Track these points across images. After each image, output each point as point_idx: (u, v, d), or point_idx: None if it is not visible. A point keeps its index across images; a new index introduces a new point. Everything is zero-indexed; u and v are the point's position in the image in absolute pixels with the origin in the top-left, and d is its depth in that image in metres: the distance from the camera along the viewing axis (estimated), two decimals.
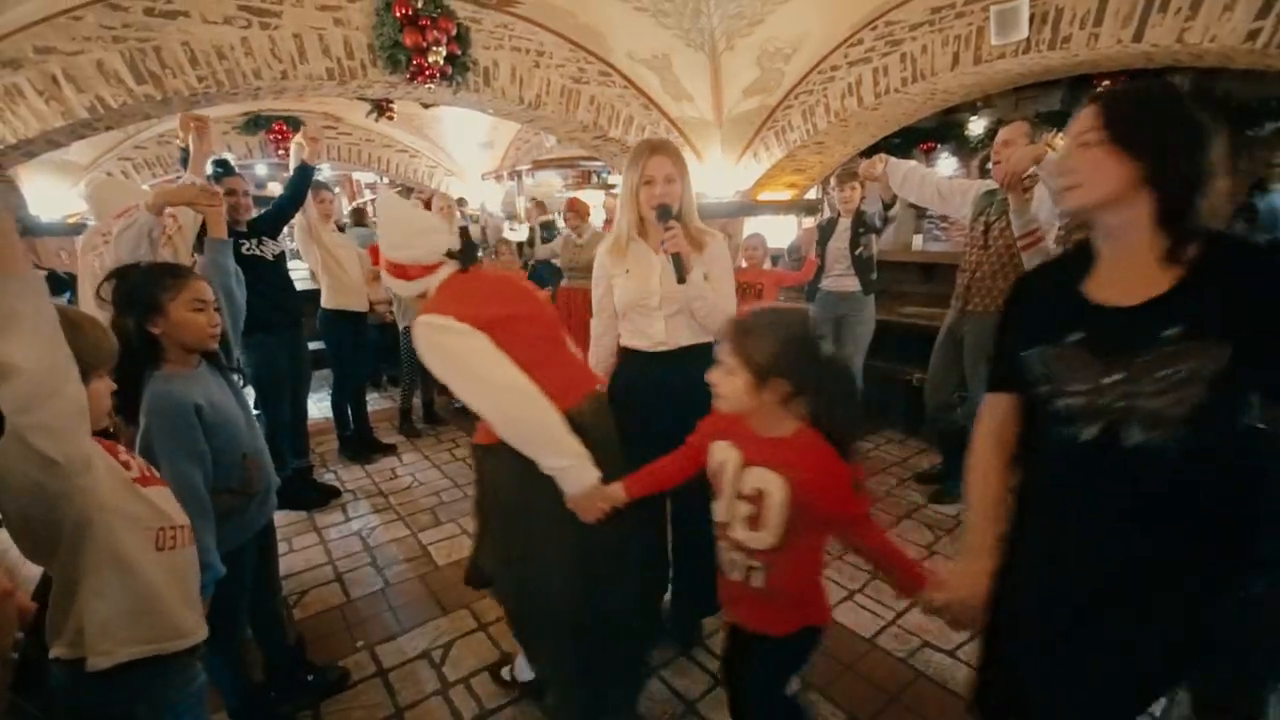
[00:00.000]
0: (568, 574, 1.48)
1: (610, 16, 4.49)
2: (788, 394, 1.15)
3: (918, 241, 5.26)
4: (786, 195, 6.23)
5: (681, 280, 1.67)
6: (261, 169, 9.95)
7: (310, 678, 1.88)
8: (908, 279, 4.79)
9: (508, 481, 1.50)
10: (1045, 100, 5.89)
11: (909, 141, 6.92)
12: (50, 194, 5.65)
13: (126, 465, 1.11)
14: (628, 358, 1.92)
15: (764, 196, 6.05)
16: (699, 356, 1.84)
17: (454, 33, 4.02)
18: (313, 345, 3.40)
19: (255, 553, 1.65)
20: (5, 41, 3.09)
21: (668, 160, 1.72)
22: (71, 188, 6.32)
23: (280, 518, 2.64)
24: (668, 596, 2.15)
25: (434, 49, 3.93)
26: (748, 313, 1.24)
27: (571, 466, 1.39)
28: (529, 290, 1.70)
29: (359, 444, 3.83)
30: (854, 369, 3.76)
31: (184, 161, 2.62)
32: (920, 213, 7.69)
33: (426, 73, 4.01)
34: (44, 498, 0.91)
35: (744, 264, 3.81)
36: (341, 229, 4.07)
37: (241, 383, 1.68)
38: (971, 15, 3.90)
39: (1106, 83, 5.78)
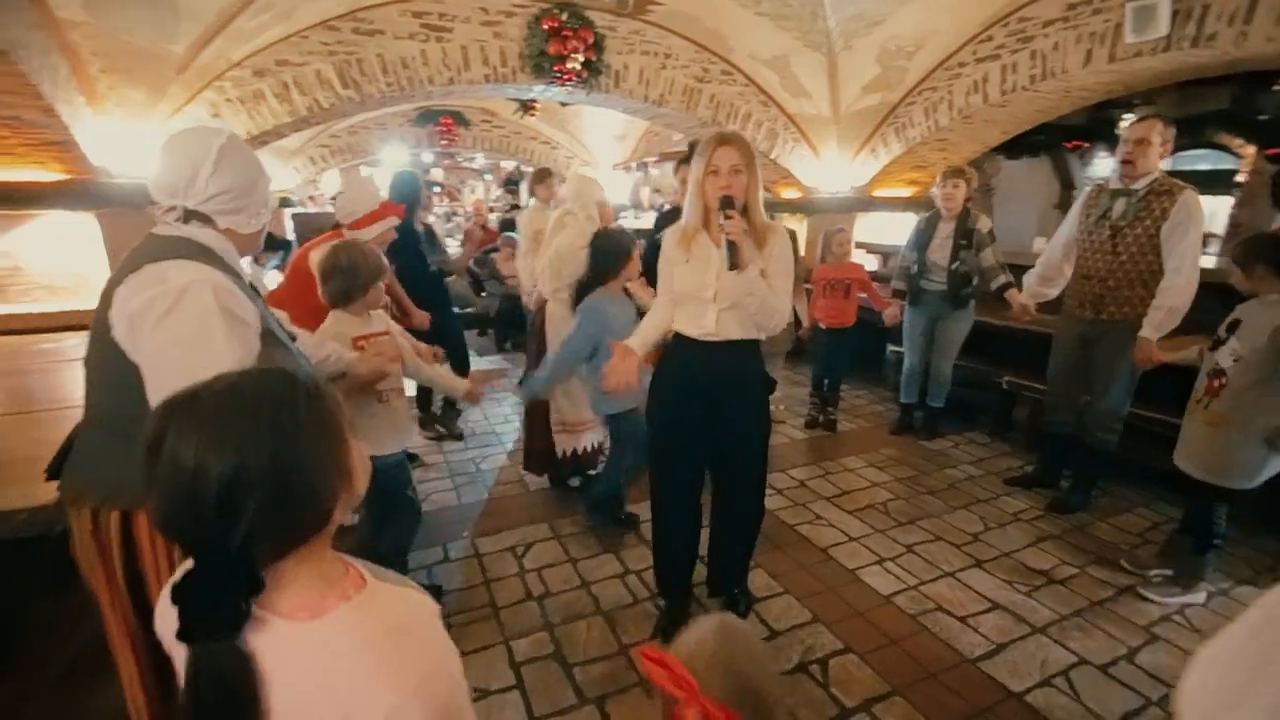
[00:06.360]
0: None
1: (734, 21, 4.79)
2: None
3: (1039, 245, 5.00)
4: (907, 192, 6.17)
5: (733, 268, 1.67)
6: (428, 157, 11.37)
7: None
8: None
9: None
10: (1213, 98, 5.29)
11: (1055, 139, 6.49)
12: (270, 172, 7.04)
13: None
14: (678, 342, 1.93)
15: (881, 193, 6.05)
16: (745, 352, 1.88)
17: (591, 41, 4.55)
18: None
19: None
20: (255, 57, 4.06)
21: (734, 152, 1.69)
22: (283, 166, 7.89)
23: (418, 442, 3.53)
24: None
25: (573, 56, 4.48)
26: None
27: None
28: None
29: None
30: (943, 369, 3.80)
31: None
32: None
33: (565, 77, 4.58)
34: None
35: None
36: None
37: None
38: (1109, 12, 3.75)
39: None
